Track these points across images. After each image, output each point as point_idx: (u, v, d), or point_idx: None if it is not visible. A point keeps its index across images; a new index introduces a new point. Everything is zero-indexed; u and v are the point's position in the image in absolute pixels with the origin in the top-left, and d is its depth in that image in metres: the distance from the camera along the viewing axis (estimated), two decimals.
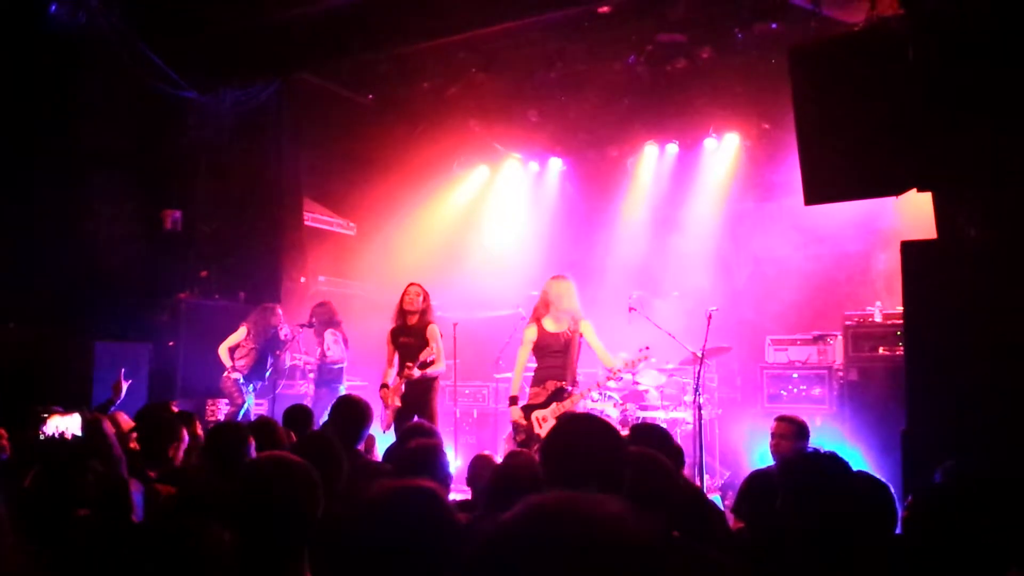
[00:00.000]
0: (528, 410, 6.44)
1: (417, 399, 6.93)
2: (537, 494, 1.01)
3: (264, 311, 8.59)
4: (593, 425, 2.54)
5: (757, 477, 3.51)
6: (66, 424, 4.09)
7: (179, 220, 9.53)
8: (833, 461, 2.88)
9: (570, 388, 6.41)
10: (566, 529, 0.90)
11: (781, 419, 5.23)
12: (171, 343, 8.90)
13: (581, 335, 6.54)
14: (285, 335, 8.52)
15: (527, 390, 6.62)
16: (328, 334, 8.63)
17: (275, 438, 4.16)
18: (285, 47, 8.78)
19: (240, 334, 8.41)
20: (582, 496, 0.97)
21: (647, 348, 6.50)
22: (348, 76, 9.93)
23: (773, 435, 5.13)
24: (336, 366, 8.67)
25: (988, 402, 4.41)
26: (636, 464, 2.77)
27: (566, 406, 6.27)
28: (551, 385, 6.43)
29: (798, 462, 2.95)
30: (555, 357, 6.50)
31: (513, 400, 6.55)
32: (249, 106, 9.72)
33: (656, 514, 2.40)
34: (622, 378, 6.81)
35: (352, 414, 4.46)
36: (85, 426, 3.92)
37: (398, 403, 6.95)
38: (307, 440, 3.72)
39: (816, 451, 3.02)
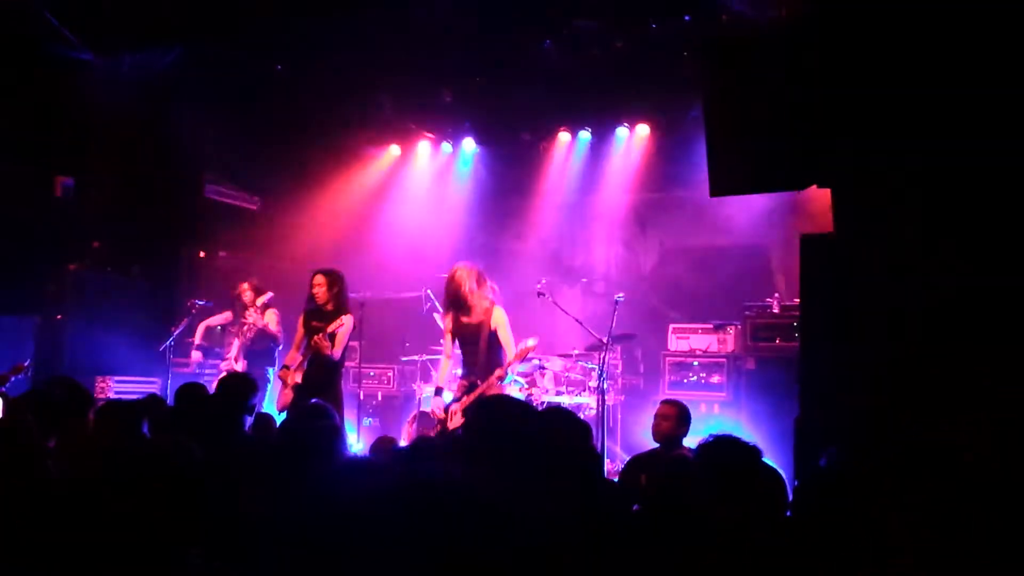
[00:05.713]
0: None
1: (318, 380, 6.60)
2: None
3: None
4: (510, 406, 2.58)
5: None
6: None
7: (71, 188, 9.10)
8: (748, 447, 3.00)
9: (479, 383, 6.23)
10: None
11: (666, 403, 5.40)
12: (59, 316, 8.48)
13: (493, 326, 6.35)
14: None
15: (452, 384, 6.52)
16: (270, 313, 8.26)
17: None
18: (188, 10, 8.40)
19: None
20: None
21: (534, 346, 6.33)
22: (254, 45, 9.57)
23: (656, 416, 5.28)
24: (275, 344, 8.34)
25: (874, 390, 4.59)
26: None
27: (471, 400, 6.12)
28: (466, 379, 6.34)
29: (718, 445, 3.01)
30: (469, 345, 6.40)
31: (438, 391, 6.48)
32: (150, 72, 9.29)
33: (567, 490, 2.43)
34: (506, 375, 6.51)
35: (234, 390, 4.37)
36: (6, 406, 4.30)
37: (298, 379, 6.71)
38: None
39: (732, 436, 3.09)
